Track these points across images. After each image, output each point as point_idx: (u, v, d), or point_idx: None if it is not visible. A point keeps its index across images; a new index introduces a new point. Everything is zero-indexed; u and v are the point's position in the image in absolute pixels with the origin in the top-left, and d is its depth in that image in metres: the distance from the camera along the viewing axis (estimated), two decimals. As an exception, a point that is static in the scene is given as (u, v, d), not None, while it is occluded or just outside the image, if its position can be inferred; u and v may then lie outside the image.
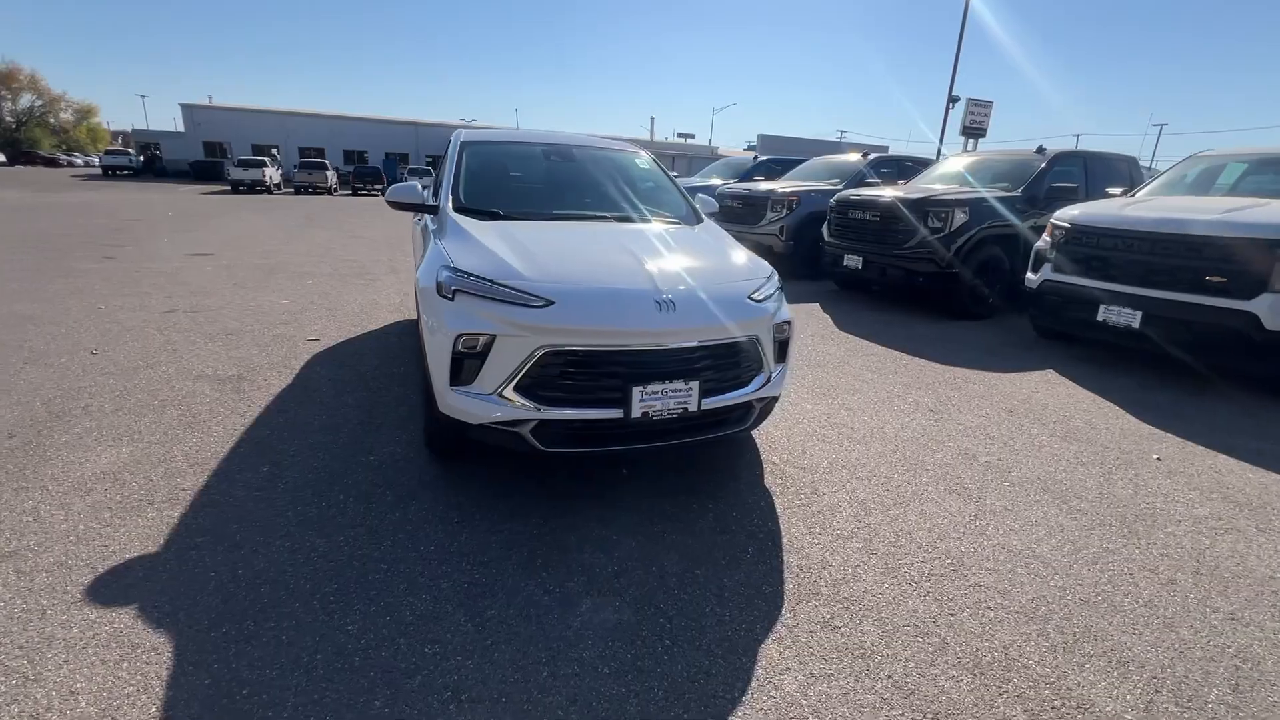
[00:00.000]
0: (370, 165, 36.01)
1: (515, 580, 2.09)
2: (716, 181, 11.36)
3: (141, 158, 41.63)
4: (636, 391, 2.35)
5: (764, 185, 9.46)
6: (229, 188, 28.56)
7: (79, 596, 1.92)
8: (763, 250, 8.73)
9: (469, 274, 2.43)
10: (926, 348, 5.27)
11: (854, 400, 4.00)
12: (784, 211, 8.64)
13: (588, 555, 2.26)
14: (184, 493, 2.53)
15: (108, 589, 1.96)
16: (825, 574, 2.22)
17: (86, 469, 2.68)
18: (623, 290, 2.41)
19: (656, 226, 3.32)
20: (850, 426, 3.56)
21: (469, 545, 2.27)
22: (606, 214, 3.40)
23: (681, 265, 2.72)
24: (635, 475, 2.85)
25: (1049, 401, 4.08)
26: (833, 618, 1.99)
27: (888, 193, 6.94)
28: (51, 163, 54.34)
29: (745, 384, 2.66)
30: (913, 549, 2.39)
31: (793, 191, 8.74)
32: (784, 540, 2.41)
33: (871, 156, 9.52)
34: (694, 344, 2.43)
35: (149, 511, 2.39)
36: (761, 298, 2.68)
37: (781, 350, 2.86)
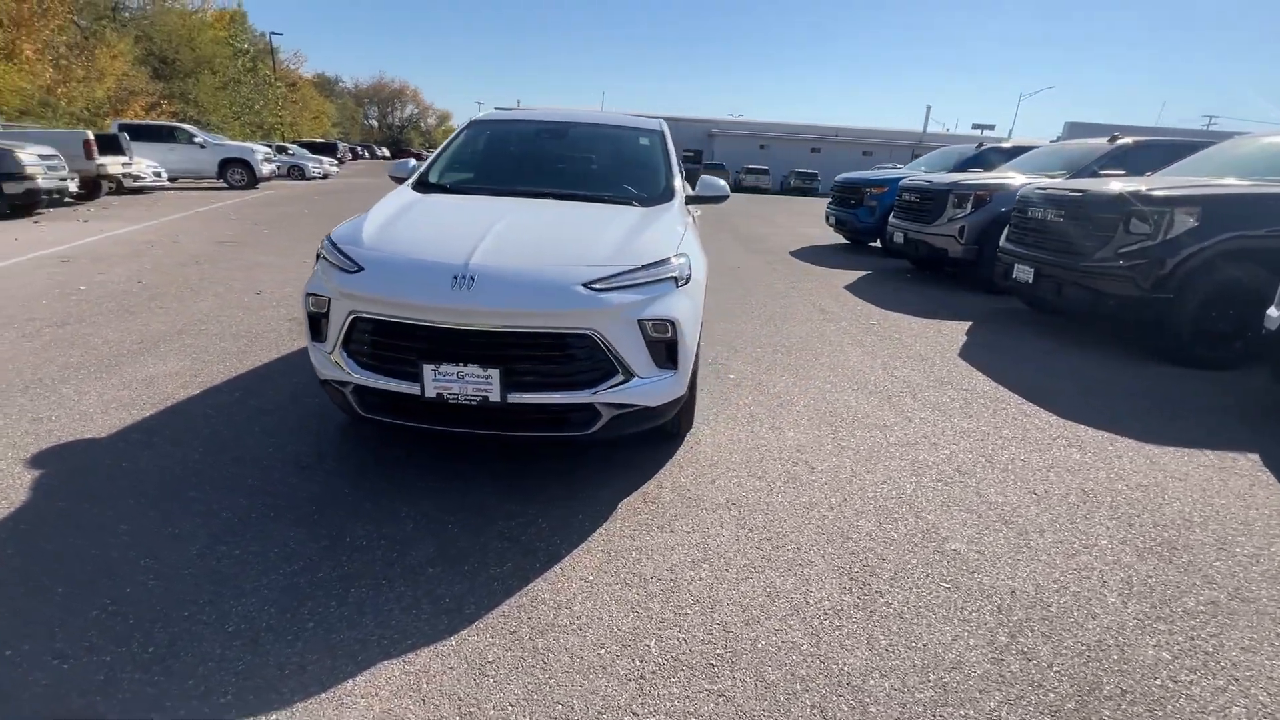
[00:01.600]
0: (627, 158, 39.18)
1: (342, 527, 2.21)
2: (900, 172, 9.80)
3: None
4: (428, 370, 2.24)
5: (949, 177, 7.86)
6: None
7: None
8: (936, 255, 7.37)
9: (330, 240, 2.57)
10: (1123, 413, 3.64)
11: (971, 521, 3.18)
12: (968, 208, 7.09)
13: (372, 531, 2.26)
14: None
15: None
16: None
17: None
18: (428, 263, 2.30)
19: (592, 206, 3.06)
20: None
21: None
22: (556, 191, 3.23)
23: (544, 245, 2.48)
24: (518, 468, 2.71)
25: None
26: (495, 662, 1.68)
27: (1086, 185, 5.21)
28: (419, 156, 71.05)
29: (584, 385, 2.34)
30: None
31: (983, 184, 7.11)
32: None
33: (1124, 140, 7.19)
34: (494, 328, 2.21)
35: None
36: (606, 286, 2.30)
37: (664, 353, 2.43)
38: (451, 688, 1.60)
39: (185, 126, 17.57)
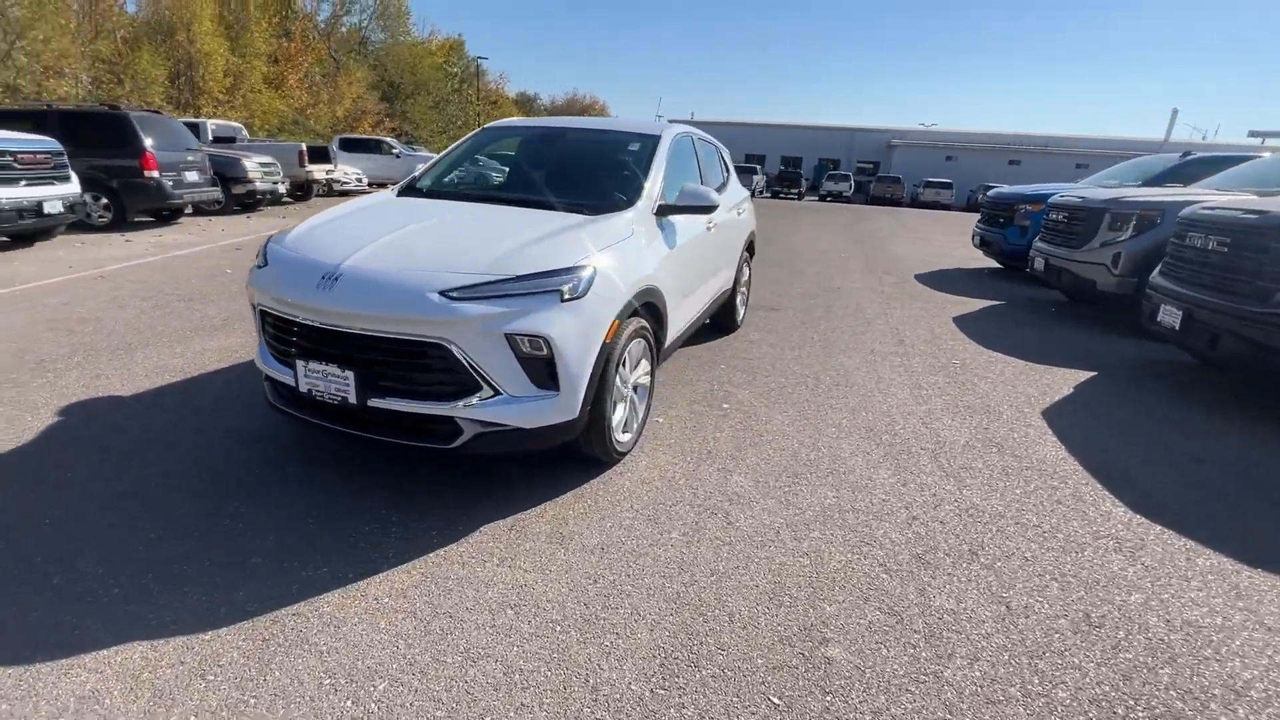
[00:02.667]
0: (790, 170, 37.96)
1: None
2: (1067, 187, 8.11)
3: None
4: (300, 365, 2.30)
5: (1109, 192, 6.36)
6: None
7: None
8: (1081, 287, 6.07)
9: (270, 237, 2.75)
10: (1249, 532, 2.58)
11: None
12: (1128, 231, 5.70)
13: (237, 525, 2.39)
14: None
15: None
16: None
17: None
18: (309, 262, 2.34)
19: (529, 212, 2.91)
20: None
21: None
22: (516, 196, 3.14)
23: (430, 251, 2.39)
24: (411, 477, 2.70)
25: None
26: (224, 668, 1.64)
27: (1269, 206, 3.87)
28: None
29: (445, 397, 2.23)
30: None
31: (1151, 202, 5.66)
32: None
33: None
34: (348, 329, 2.19)
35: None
36: (465, 296, 2.15)
37: (542, 372, 2.24)
38: (169, 681, 1.59)
39: (387, 140, 20.53)
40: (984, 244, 9.26)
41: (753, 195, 31.55)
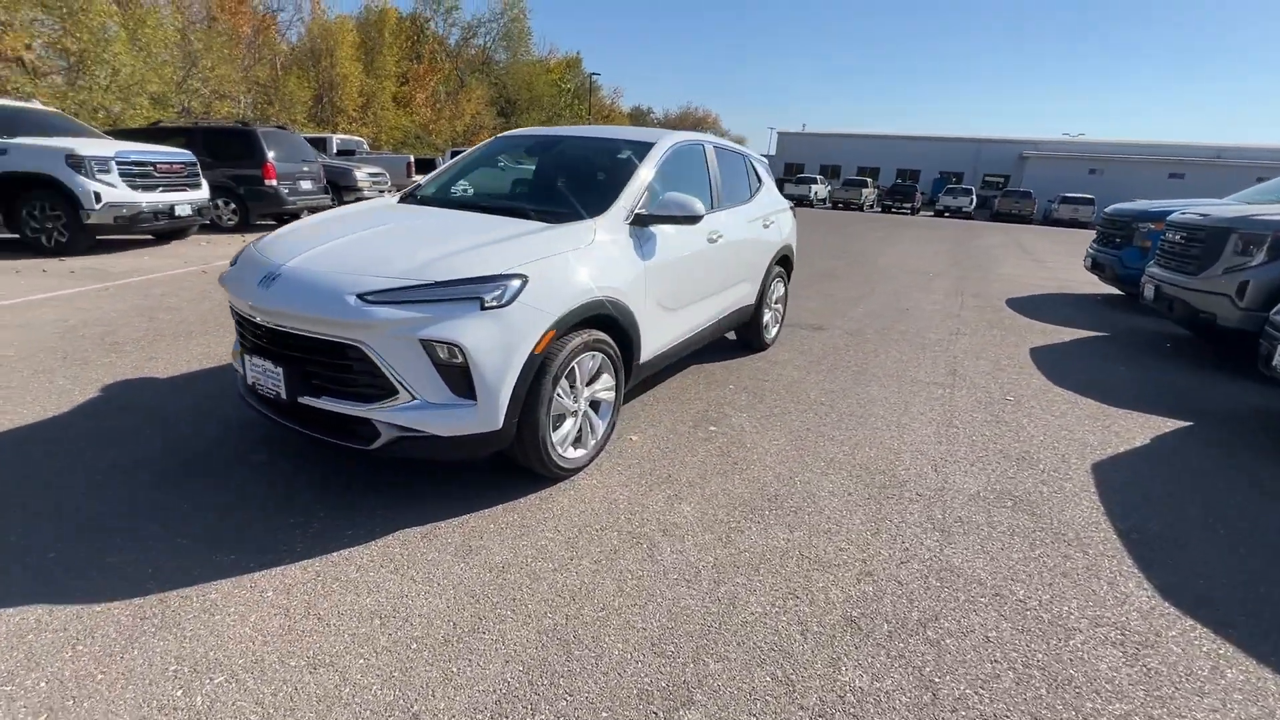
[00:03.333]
0: (904, 184, 35.78)
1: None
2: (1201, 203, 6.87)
3: (744, 176, 53.64)
4: (246, 359, 2.42)
5: (1239, 209, 5.31)
6: None
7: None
8: (1198, 322, 5.20)
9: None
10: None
11: None
12: (1259, 255, 4.75)
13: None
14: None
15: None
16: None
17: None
18: (259, 262, 2.45)
19: (485, 218, 2.89)
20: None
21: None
22: (490, 204, 3.14)
23: (367, 255, 2.41)
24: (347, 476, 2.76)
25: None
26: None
27: None
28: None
29: (364, 399, 2.25)
30: None
31: (1292, 221, 4.68)
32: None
33: None
34: (275, 326, 2.27)
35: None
36: (380, 299, 2.15)
37: (460, 380, 2.21)
38: (44, 645, 1.71)
39: (494, 152, 21.77)
40: (1096, 267, 8.15)
41: (809, 205, 30.16)
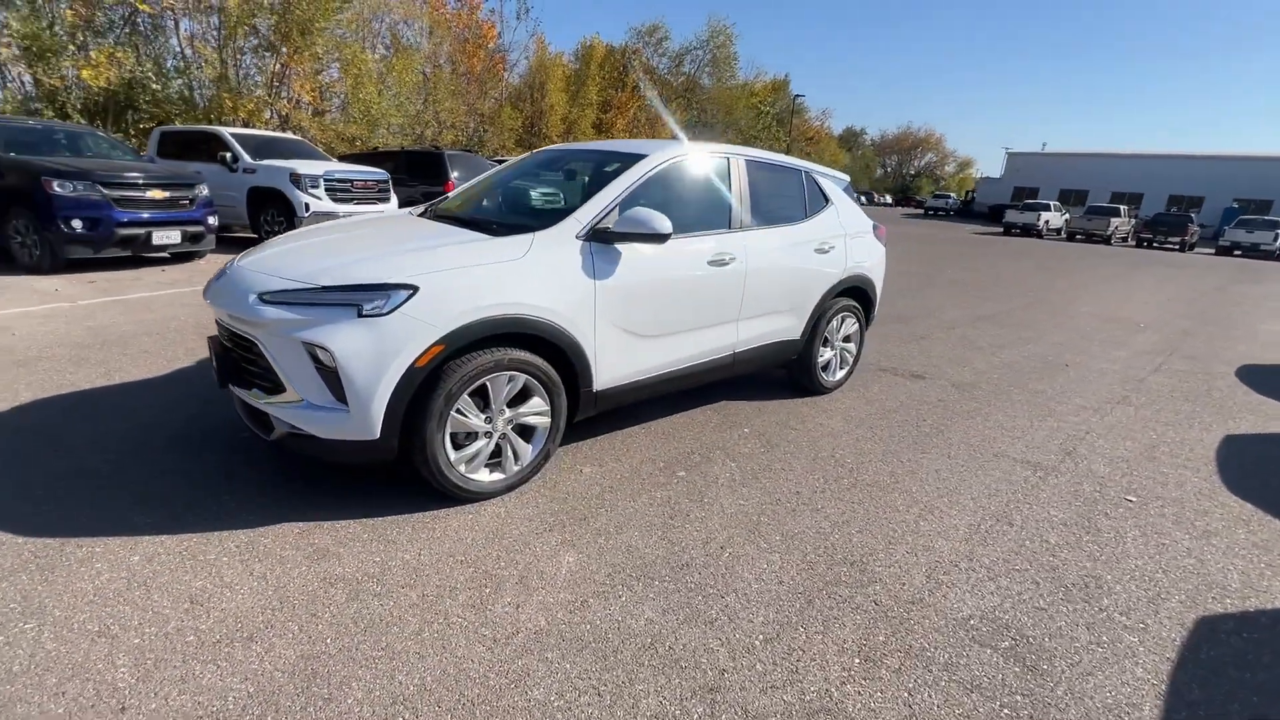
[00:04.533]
0: (1173, 214, 28.90)
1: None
2: None
3: (962, 200, 48.08)
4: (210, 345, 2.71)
5: None
6: (1001, 229, 29.84)
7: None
8: None
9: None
10: None
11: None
12: None
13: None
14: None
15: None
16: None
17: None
18: (233, 260, 2.69)
19: (441, 228, 2.86)
20: None
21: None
22: (471, 217, 3.10)
23: (305, 258, 2.52)
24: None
25: None
26: None
27: None
28: (919, 204, 69.22)
29: (267, 393, 2.38)
30: None
31: None
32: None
33: None
34: (218, 319, 2.48)
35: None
36: (272, 299, 2.24)
37: (336, 384, 2.24)
38: (-39, 564, 2.07)
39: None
40: None
41: (1036, 235, 25.10)
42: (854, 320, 4.25)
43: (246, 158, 9.00)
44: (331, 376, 2.23)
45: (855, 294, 4.22)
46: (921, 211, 47.39)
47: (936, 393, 4.47)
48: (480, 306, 2.39)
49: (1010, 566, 2.41)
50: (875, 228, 4.38)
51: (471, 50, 22.18)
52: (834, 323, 4.09)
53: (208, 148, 9.24)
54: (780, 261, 3.58)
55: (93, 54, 10.74)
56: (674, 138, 24.85)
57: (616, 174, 3.01)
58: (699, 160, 3.34)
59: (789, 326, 3.78)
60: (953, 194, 50.33)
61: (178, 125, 10.58)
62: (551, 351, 2.65)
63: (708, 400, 3.98)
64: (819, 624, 2.03)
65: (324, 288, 2.27)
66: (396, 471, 2.70)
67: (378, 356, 2.22)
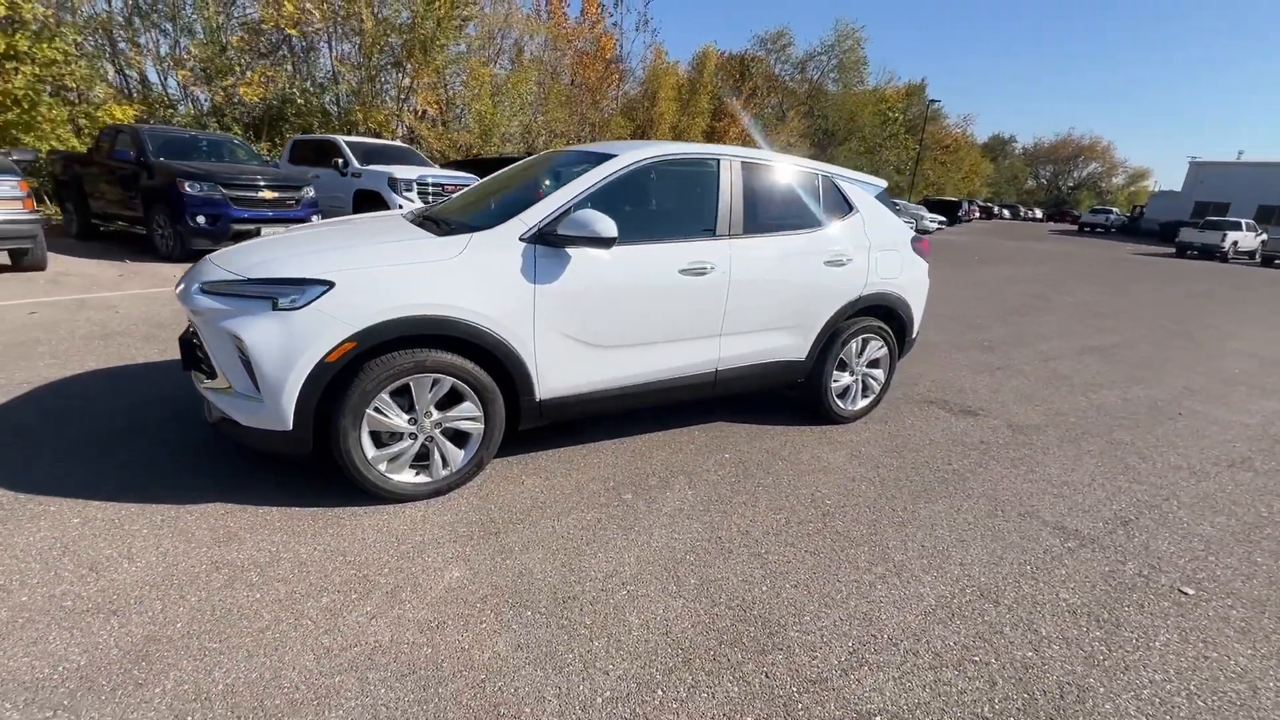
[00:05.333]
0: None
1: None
2: None
3: (1128, 215, 42.10)
4: (192, 330, 2.90)
5: None
6: (1173, 250, 25.94)
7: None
8: None
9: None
10: None
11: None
12: None
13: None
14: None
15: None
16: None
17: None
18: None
19: (404, 229, 2.83)
20: None
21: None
22: (441, 218, 3.03)
23: (257, 253, 2.58)
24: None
25: None
26: None
27: None
28: (1074, 219, 61.53)
29: (210, 377, 2.50)
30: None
31: None
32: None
33: None
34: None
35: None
36: (208, 289, 2.34)
37: (249, 373, 2.31)
38: (-53, 508, 2.36)
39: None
40: None
41: (1219, 258, 20.99)
42: (880, 343, 3.76)
43: (355, 163, 9.87)
44: (248, 366, 2.29)
45: (882, 314, 3.74)
46: (1075, 228, 42.13)
47: (983, 433, 3.84)
48: (397, 305, 2.35)
49: (967, 656, 1.96)
50: (915, 240, 3.85)
51: (588, 62, 22.93)
52: (853, 345, 3.65)
53: (327, 154, 10.26)
54: (776, 273, 3.24)
55: (249, 74, 12.38)
56: (758, 146, 23.92)
57: (571, 176, 2.87)
58: (681, 162, 3.11)
59: (789, 345, 3.42)
60: (1115, 209, 44.14)
61: (307, 135, 11.89)
62: (484, 356, 2.57)
63: (702, 419, 3.70)
64: (683, 690, 1.75)
65: (249, 280, 2.34)
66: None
67: (288, 349, 2.25)
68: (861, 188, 3.71)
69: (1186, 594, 2.37)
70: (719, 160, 3.15)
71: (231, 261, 2.51)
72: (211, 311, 2.34)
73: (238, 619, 1.90)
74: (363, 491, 2.54)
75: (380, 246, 2.56)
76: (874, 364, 3.84)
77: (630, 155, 2.94)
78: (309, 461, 2.59)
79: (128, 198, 8.01)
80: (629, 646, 1.90)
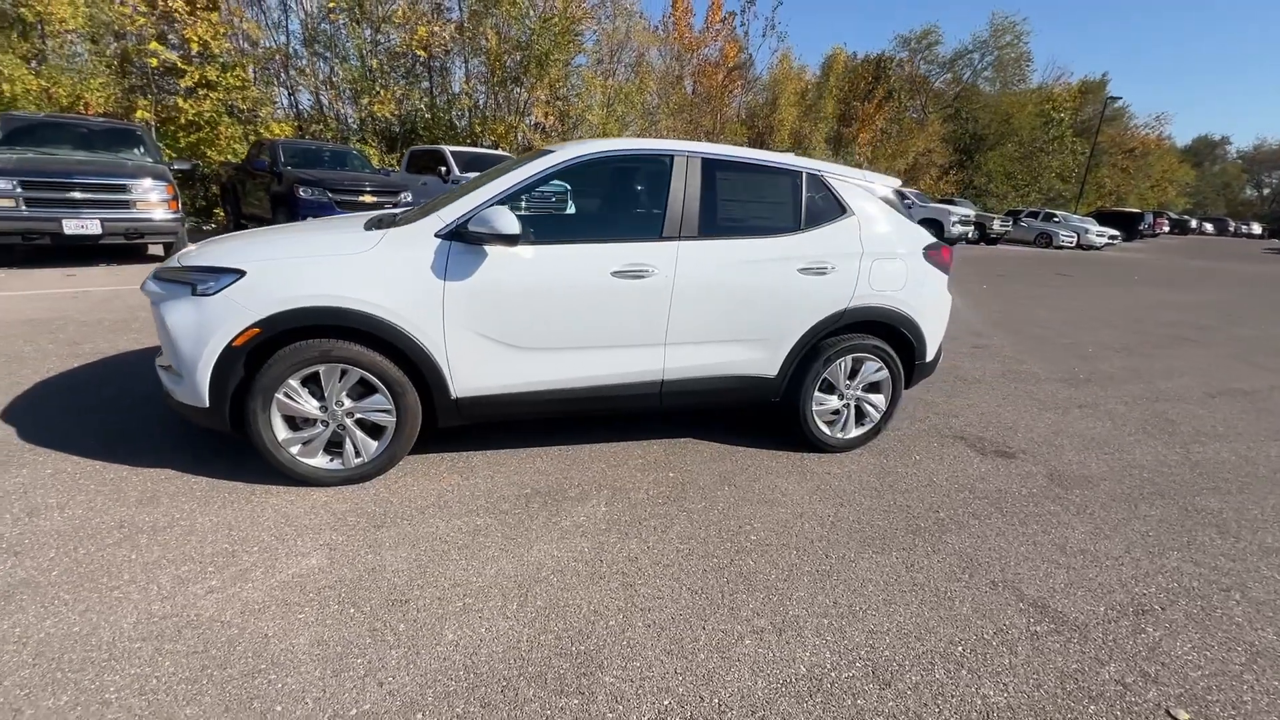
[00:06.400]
0: None
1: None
2: None
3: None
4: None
5: None
6: None
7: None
8: None
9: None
10: None
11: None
12: None
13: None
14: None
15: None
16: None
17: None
18: None
19: (347, 226, 2.90)
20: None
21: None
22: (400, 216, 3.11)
23: (223, 246, 2.82)
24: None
25: None
26: None
27: None
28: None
29: (163, 356, 2.77)
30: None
31: None
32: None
33: None
34: None
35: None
36: (160, 275, 2.58)
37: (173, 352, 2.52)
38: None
39: (904, 190, 19.97)
40: None
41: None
42: (878, 365, 3.28)
43: (456, 170, 10.62)
44: (171, 345, 2.50)
45: (880, 331, 3.26)
46: (1301, 246, 34.54)
47: (1007, 480, 3.21)
48: (299, 295, 2.44)
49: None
50: (928, 250, 3.32)
51: (709, 71, 22.88)
52: (840, 364, 3.22)
53: (436, 162, 11.16)
54: (734, 279, 2.95)
55: (383, 93, 13.83)
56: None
57: (507, 170, 2.81)
58: (627, 159, 2.94)
59: (754, 360, 3.09)
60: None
61: (421, 146, 13.02)
62: (392, 350, 2.59)
63: (672, 433, 3.48)
64: (444, 719, 1.61)
65: (180, 268, 2.56)
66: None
67: (199, 332, 2.42)
68: (862, 188, 3.27)
69: (1174, 719, 1.78)
70: (672, 157, 2.93)
71: (186, 254, 2.77)
72: (153, 295, 2.58)
73: (101, 576, 2.06)
74: (275, 472, 2.67)
75: (304, 241, 2.68)
76: (873, 388, 3.36)
77: (566, 152, 2.83)
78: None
79: (264, 201, 9.28)
80: (422, 663, 1.80)
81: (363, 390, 2.64)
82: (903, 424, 3.90)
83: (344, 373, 2.57)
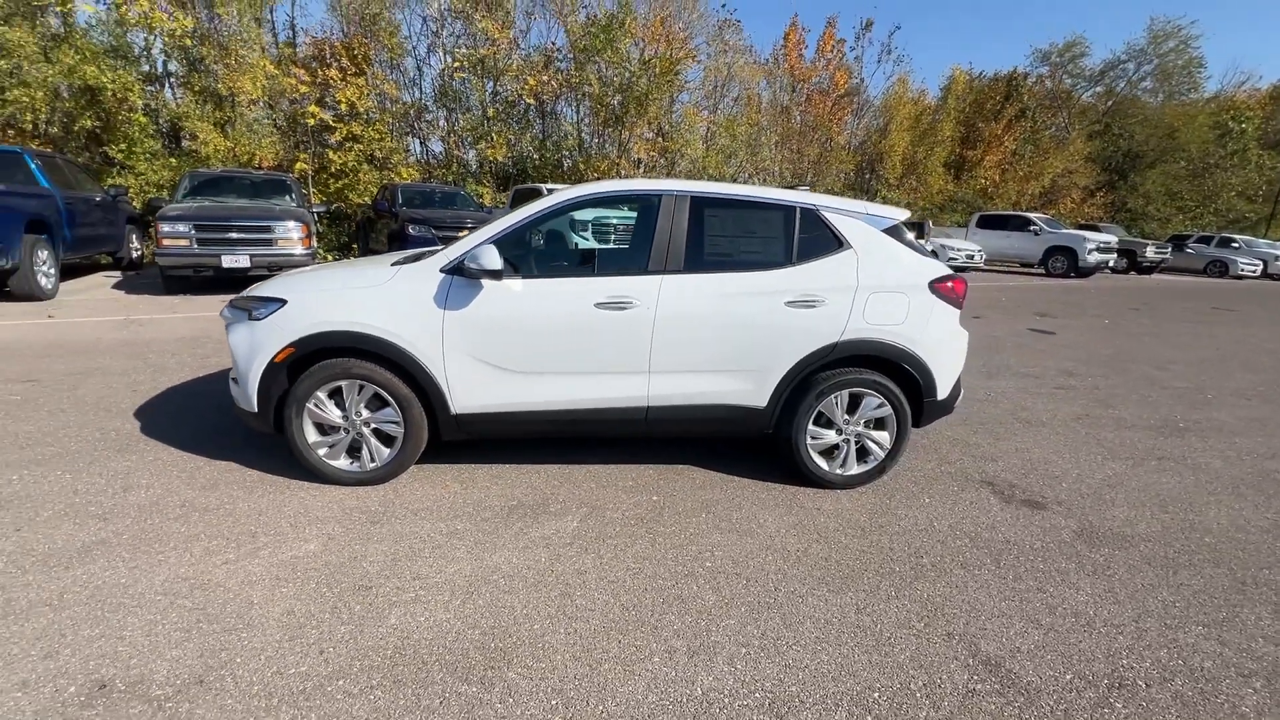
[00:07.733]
0: None
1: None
2: None
3: None
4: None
5: None
6: None
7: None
8: None
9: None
10: None
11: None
12: None
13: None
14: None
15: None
16: (130, 453, 3.42)
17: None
18: None
19: (381, 263, 3.33)
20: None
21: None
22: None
23: (290, 279, 3.40)
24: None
25: None
26: (109, 443, 3.53)
27: None
28: None
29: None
30: None
31: None
32: (175, 451, 3.46)
33: None
34: None
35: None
36: (233, 303, 3.15)
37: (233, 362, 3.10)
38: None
39: (1031, 217, 18.21)
40: None
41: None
42: (880, 401, 3.18)
43: (550, 207, 11.43)
44: (234, 360, 3.06)
45: (880, 366, 3.17)
46: None
47: (1023, 532, 2.96)
48: (326, 321, 2.90)
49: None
50: (935, 283, 3.19)
51: (817, 100, 22.63)
52: (835, 399, 3.17)
53: (535, 199, 12.08)
54: (717, 311, 3.04)
55: (495, 139, 15.24)
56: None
57: (507, 212, 3.14)
58: (616, 199, 3.16)
59: (741, 390, 3.14)
60: None
61: (525, 185, 14.11)
62: (400, 370, 2.98)
63: (673, 459, 3.58)
64: (355, 687, 1.87)
65: (245, 296, 3.13)
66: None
67: (251, 349, 2.96)
68: (863, 221, 3.23)
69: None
70: (660, 196, 3.11)
71: (256, 286, 3.37)
72: (226, 319, 3.18)
73: (154, 542, 2.57)
74: (306, 470, 3.13)
75: (337, 275, 3.17)
76: (878, 425, 3.25)
77: (563, 194, 3.12)
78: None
79: (384, 237, 10.58)
80: (363, 640, 2.07)
81: (378, 404, 3.04)
82: (927, 464, 3.70)
83: (361, 387, 2.99)
